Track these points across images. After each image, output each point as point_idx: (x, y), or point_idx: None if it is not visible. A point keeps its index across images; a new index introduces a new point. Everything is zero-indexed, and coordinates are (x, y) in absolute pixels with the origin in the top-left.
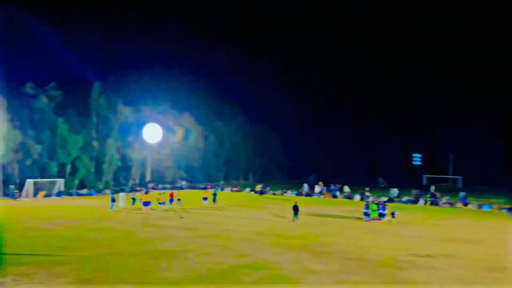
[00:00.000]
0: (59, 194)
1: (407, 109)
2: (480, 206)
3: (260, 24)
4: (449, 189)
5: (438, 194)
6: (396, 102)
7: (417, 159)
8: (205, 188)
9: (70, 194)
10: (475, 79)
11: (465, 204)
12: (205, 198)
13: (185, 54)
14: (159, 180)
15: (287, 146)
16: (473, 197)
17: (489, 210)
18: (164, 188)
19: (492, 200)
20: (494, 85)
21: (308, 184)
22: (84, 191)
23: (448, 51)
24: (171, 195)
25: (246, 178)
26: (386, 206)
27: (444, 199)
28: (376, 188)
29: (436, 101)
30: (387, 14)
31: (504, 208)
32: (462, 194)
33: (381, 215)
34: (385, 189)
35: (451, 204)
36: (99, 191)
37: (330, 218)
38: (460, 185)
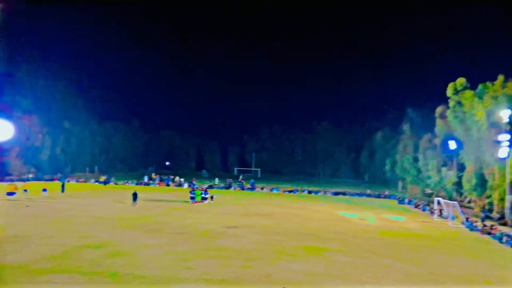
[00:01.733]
0: None
1: (222, 119)
2: (271, 190)
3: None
4: (252, 178)
5: (243, 182)
6: (217, 115)
7: (233, 156)
8: (51, 179)
9: None
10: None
11: (242, 188)
12: (44, 190)
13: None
14: (6, 173)
15: (129, 143)
16: (266, 183)
17: (277, 192)
18: (11, 180)
19: (279, 185)
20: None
21: (147, 176)
22: None
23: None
24: (15, 187)
25: (92, 171)
26: (208, 191)
27: (248, 184)
28: (201, 178)
29: (243, 114)
30: None
31: (286, 190)
32: (252, 180)
33: (204, 198)
34: (208, 179)
35: (252, 189)
36: None
37: (163, 202)
38: (259, 175)
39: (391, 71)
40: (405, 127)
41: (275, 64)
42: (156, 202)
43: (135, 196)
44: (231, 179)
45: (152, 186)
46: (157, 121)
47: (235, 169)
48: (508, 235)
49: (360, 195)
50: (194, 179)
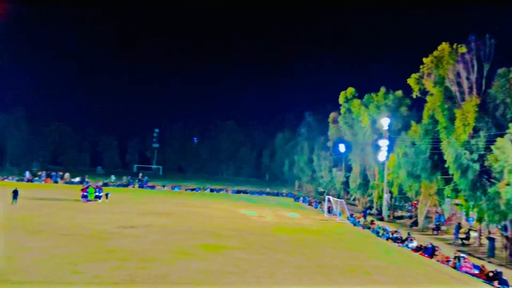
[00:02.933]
0: None
1: (122, 113)
2: (173, 188)
3: None
4: (153, 176)
5: (144, 179)
6: (117, 108)
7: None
8: None
9: None
10: None
11: (142, 186)
12: None
13: None
14: None
15: (10, 135)
16: (169, 181)
17: (179, 190)
18: None
19: (182, 183)
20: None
21: (30, 172)
22: None
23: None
24: None
25: None
26: (102, 189)
27: (150, 183)
28: (95, 175)
29: (145, 109)
30: None
31: (188, 189)
32: (145, 178)
33: (98, 197)
34: (103, 176)
35: (152, 187)
36: None
37: (50, 201)
38: (161, 172)
39: (293, 76)
40: (303, 130)
41: (180, 61)
42: (41, 201)
43: (15, 193)
44: (129, 177)
45: (36, 183)
46: (45, 111)
47: (135, 166)
48: (384, 229)
49: (260, 193)
50: (87, 176)
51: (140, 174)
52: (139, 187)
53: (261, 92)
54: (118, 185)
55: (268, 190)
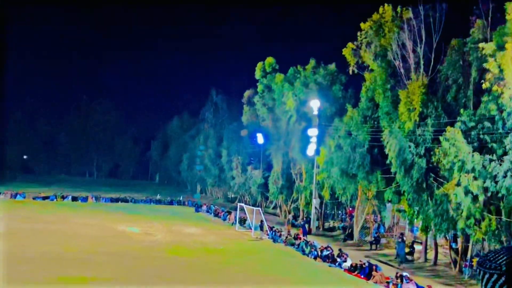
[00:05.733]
0: None
1: None
2: (14, 196)
3: None
4: None
5: None
6: None
7: None
8: None
9: None
10: None
11: None
12: None
13: None
14: None
15: None
16: (7, 186)
17: (23, 199)
18: None
19: (27, 189)
20: None
21: None
22: None
23: None
24: None
25: None
26: None
27: None
28: None
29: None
30: None
31: (38, 197)
32: None
33: None
34: None
35: None
36: None
37: None
38: None
39: (193, 42)
40: (207, 113)
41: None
42: None
43: None
44: None
45: None
46: None
47: None
48: (311, 245)
49: (147, 201)
50: None
51: None
52: None
53: (150, 63)
54: None
55: (158, 197)
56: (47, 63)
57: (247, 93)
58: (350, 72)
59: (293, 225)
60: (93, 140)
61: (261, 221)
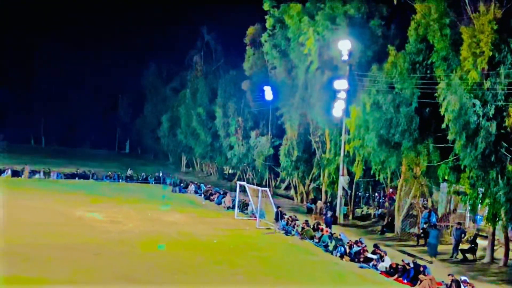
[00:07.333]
0: None
1: None
2: None
3: None
4: None
5: None
6: None
7: None
8: None
9: None
10: None
11: None
12: None
13: None
14: None
15: None
16: None
17: None
18: None
19: None
20: None
21: None
22: None
23: None
24: None
25: None
26: None
27: None
28: None
29: None
30: None
31: None
32: None
33: None
34: None
35: None
36: None
37: None
38: None
39: None
40: (196, 58)
41: None
42: None
43: None
44: None
45: None
46: None
47: None
48: (337, 239)
49: (114, 178)
50: None
51: None
52: None
53: None
54: None
55: (129, 172)
56: None
57: (251, 30)
58: (395, 1)
59: (321, 213)
60: (39, 94)
61: (278, 207)
